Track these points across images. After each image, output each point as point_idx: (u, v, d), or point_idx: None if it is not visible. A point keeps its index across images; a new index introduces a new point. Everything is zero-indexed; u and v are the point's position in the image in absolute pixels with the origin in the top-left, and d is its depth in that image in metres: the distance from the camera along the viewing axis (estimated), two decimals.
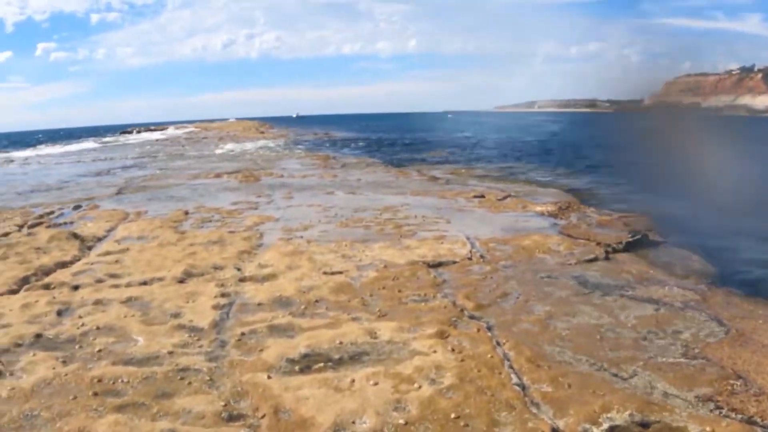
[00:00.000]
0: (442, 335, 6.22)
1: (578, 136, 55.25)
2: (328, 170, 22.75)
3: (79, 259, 9.67)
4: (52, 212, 14.57)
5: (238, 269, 8.88)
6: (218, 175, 21.91)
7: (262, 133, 66.08)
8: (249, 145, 42.26)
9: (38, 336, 6.41)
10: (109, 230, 11.99)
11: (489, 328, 6.50)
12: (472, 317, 6.85)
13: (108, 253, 9.98)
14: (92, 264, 9.25)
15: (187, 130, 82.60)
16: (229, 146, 41.99)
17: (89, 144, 58.22)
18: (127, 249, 10.16)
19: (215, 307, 7.23)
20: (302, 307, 7.24)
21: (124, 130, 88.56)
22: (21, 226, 12.65)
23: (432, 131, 70.71)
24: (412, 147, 41.62)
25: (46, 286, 8.16)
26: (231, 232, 11.38)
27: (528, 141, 46.96)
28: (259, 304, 7.35)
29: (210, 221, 12.75)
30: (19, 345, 6.21)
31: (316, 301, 7.43)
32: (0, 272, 8.86)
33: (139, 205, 15.45)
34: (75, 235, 11.03)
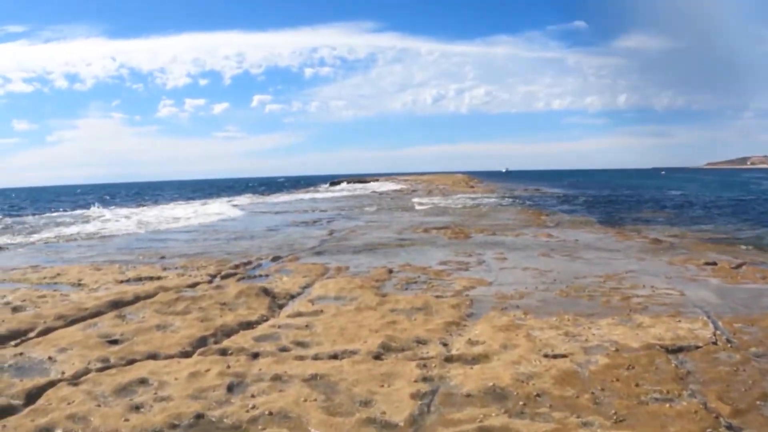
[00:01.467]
0: None
1: None
2: (542, 229, 20.81)
3: (266, 320, 8.55)
4: (249, 262, 13.91)
5: (445, 345, 7.35)
6: (426, 230, 20.69)
7: (472, 187, 65.18)
8: (458, 200, 41.10)
9: (199, 417, 5.20)
10: (305, 287, 10.92)
11: None
12: (729, 428, 4.94)
13: (299, 314, 8.80)
14: (279, 327, 8.04)
15: (396, 182, 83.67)
16: (438, 200, 41.13)
17: (299, 194, 60.01)
18: (321, 311, 8.92)
19: (414, 396, 5.70)
20: (520, 403, 5.51)
21: (334, 180, 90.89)
22: (213, 277, 12.00)
23: (645, 189, 66.82)
24: (627, 205, 38.72)
25: (223, 352, 7.02)
26: (438, 297, 9.87)
27: (748, 199, 42.55)
28: (468, 396, 5.72)
29: (415, 282, 11.33)
30: (174, 426, 5.02)
31: (537, 395, 5.68)
32: (176, 330, 7.91)
33: (341, 258, 14.49)
34: (266, 291, 9.99)
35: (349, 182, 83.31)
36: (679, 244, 17.29)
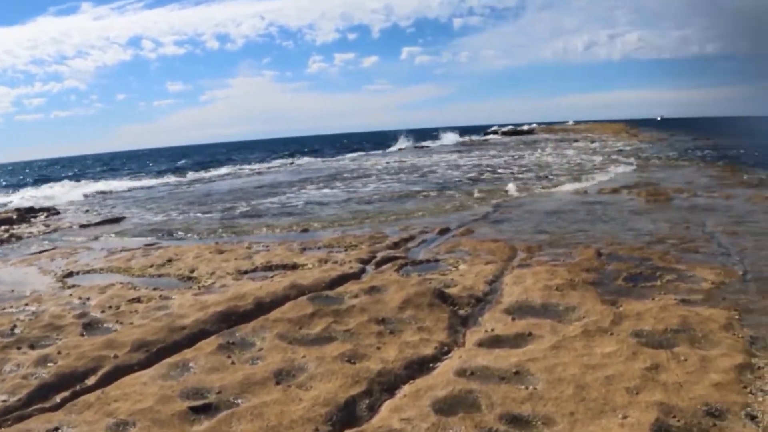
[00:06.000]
0: None
1: None
2: (751, 189, 16.30)
3: (446, 353, 5.37)
4: (411, 237, 10.80)
5: (753, 419, 4.01)
6: (615, 190, 16.91)
7: (635, 136, 59.18)
8: (627, 150, 36.42)
9: None
10: (492, 281, 7.60)
11: None
12: None
13: (496, 341, 5.54)
14: (471, 375, 4.77)
15: (553, 132, 78.04)
16: (606, 150, 36.61)
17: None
18: (529, 335, 5.62)
19: None
20: None
21: (487, 131, 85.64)
22: (365, 263, 8.92)
23: None
24: None
25: None
26: (684, 302, 6.33)
27: None
28: None
29: (640, 273, 7.72)
30: None
31: None
32: (306, 382, 4.71)
33: (525, 230, 11.20)
34: (442, 296, 6.74)
35: (504, 134, 77.91)
36: None
